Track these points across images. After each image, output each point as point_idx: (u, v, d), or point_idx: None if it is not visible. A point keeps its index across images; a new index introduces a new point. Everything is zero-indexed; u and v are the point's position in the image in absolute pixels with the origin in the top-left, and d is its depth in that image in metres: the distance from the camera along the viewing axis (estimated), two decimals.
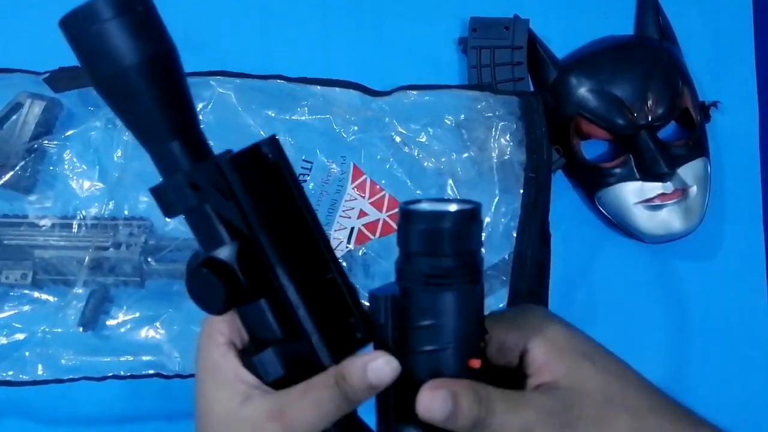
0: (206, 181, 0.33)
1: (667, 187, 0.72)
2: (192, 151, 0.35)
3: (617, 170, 0.73)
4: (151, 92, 0.33)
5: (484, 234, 0.69)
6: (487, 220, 0.70)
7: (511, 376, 0.37)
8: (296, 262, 0.35)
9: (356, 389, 0.33)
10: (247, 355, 0.36)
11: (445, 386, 0.33)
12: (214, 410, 0.36)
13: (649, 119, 0.71)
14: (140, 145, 0.35)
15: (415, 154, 0.71)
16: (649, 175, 0.71)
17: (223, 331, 0.36)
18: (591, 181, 0.75)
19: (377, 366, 0.33)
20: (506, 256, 0.68)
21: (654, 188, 0.72)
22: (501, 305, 0.66)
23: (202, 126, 0.71)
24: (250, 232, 0.34)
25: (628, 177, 0.72)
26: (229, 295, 0.33)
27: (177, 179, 0.34)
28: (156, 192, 0.35)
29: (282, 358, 0.35)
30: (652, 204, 0.72)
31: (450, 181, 0.71)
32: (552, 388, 0.35)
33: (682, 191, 0.72)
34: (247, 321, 0.36)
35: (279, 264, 0.34)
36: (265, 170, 0.35)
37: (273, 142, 0.35)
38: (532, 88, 0.77)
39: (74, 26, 0.34)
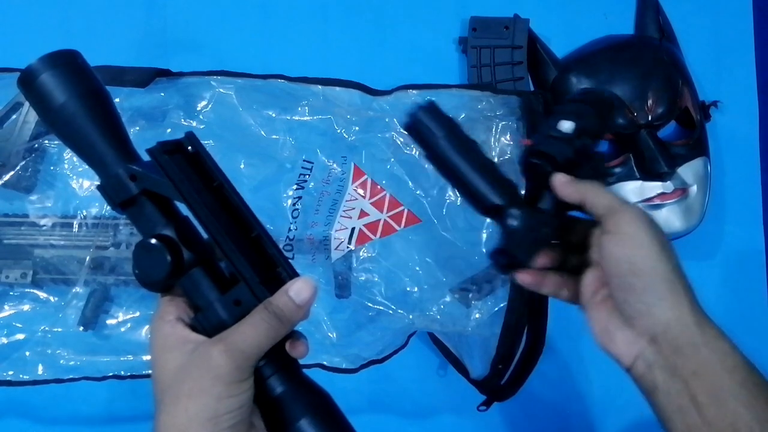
0: (142, 170, 0.41)
1: (667, 186, 0.72)
2: (125, 156, 0.43)
3: (617, 169, 0.73)
4: (84, 119, 0.42)
5: (484, 234, 0.69)
6: (488, 219, 0.70)
7: None
8: (225, 222, 0.41)
9: (284, 310, 0.40)
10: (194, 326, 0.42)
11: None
12: (168, 369, 0.40)
13: (649, 119, 0.71)
14: (88, 165, 0.43)
15: (416, 154, 0.71)
16: (649, 175, 0.72)
17: (170, 310, 0.41)
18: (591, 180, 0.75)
19: (297, 287, 0.41)
20: None
21: (654, 187, 0.72)
22: (501, 305, 0.66)
23: (202, 126, 0.72)
24: (185, 202, 0.41)
25: (628, 176, 0.73)
26: (175, 264, 0.40)
27: (119, 173, 0.41)
28: (102, 188, 0.42)
29: (220, 311, 0.41)
30: (652, 203, 0.72)
31: None
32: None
33: (682, 191, 0.72)
34: (187, 290, 0.42)
35: (212, 223, 0.41)
36: (188, 157, 0.42)
37: (191, 136, 0.43)
38: (531, 88, 0.77)
39: (23, 84, 0.44)
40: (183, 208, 0.43)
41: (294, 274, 0.43)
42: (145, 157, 0.43)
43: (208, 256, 0.42)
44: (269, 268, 0.42)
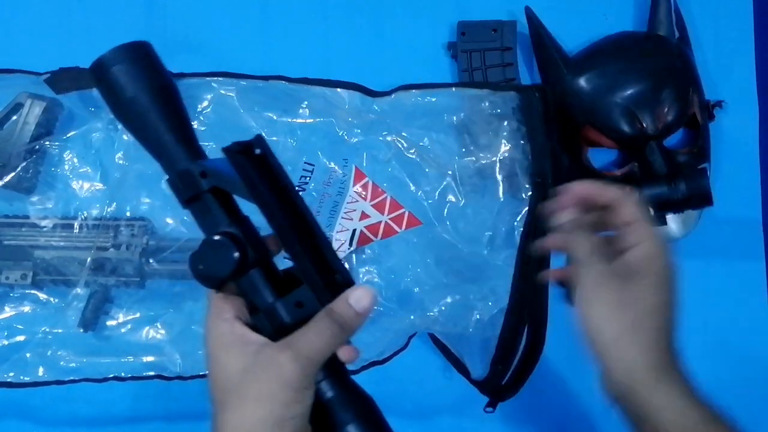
0: (213, 167, 0.42)
1: None
2: (192, 153, 0.44)
3: (623, 178, 0.73)
4: (155, 114, 0.43)
5: (488, 234, 0.70)
6: (489, 222, 0.70)
7: None
8: (292, 224, 0.42)
9: (345, 318, 0.41)
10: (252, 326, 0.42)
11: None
12: (230, 371, 0.40)
13: (658, 130, 0.70)
14: (154, 158, 0.44)
15: (417, 156, 0.71)
16: (652, 187, 0.71)
17: (227, 308, 0.42)
18: None
19: (357, 295, 0.41)
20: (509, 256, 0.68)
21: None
22: (502, 306, 0.67)
23: (203, 128, 0.72)
24: (257, 201, 0.41)
25: (633, 184, 0.72)
26: (241, 261, 0.40)
27: (190, 169, 0.42)
28: (172, 183, 0.43)
29: (282, 312, 0.42)
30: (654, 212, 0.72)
31: (452, 183, 0.71)
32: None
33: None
34: (246, 289, 0.42)
35: (282, 224, 0.41)
36: (256, 158, 0.42)
37: (260, 139, 0.42)
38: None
39: (95, 74, 0.44)
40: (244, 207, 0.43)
41: (350, 282, 0.43)
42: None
43: (266, 257, 0.43)
44: (328, 273, 0.42)
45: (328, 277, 0.42)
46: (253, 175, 0.40)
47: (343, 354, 0.42)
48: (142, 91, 0.42)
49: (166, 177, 0.43)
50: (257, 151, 0.42)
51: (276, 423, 0.38)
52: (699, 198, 0.68)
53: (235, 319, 0.41)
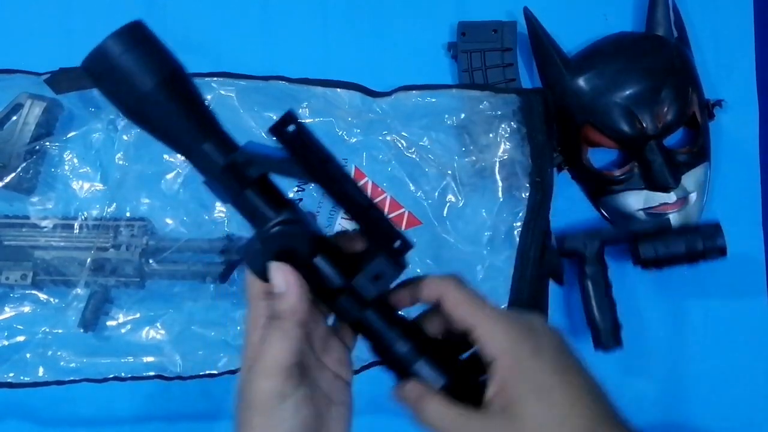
0: (258, 153, 0.39)
1: (671, 197, 0.72)
2: (223, 142, 0.39)
3: (623, 177, 0.73)
4: (173, 108, 0.38)
5: (488, 234, 0.69)
6: (488, 222, 0.70)
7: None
8: (350, 196, 0.39)
9: (278, 308, 0.39)
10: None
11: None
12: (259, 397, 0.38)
13: (658, 129, 0.71)
14: (184, 157, 0.40)
15: (417, 156, 0.71)
16: (653, 187, 0.71)
17: (263, 314, 0.39)
18: (596, 187, 0.75)
19: (274, 281, 0.39)
20: (509, 256, 0.68)
21: (658, 197, 0.72)
22: (503, 306, 0.66)
23: None
24: (316, 180, 0.38)
25: (634, 185, 0.72)
26: (315, 241, 0.39)
27: (235, 161, 0.38)
28: (216, 180, 0.39)
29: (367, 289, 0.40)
30: (655, 212, 0.72)
31: (452, 183, 0.71)
32: (501, 409, 0.37)
33: (684, 199, 0.72)
34: (316, 274, 0.40)
35: (350, 200, 0.39)
36: (296, 135, 0.39)
37: (292, 114, 0.39)
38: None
39: (94, 68, 0.37)
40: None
41: (409, 245, 0.41)
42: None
43: (325, 238, 0.41)
44: (391, 240, 0.40)
45: (391, 244, 0.40)
46: (308, 152, 0.38)
47: (397, 300, 0.42)
48: (159, 83, 0.36)
49: (203, 179, 0.39)
50: (291, 128, 0.39)
51: None
52: (714, 253, 0.70)
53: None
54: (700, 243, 0.70)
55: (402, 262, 0.41)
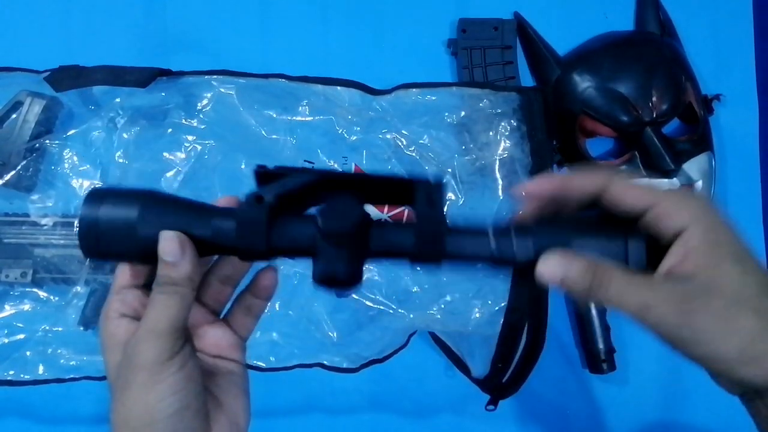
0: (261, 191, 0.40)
1: (674, 183, 0.72)
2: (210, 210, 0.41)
3: (623, 167, 0.73)
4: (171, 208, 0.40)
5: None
6: (489, 220, 0.70)
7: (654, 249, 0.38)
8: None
9: (163, 275, 0.39)
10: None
11: (561, 254, 0.37)
12: (110, 366, 0.39)
13: (654, 116, 0.71)
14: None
15: (416, 154, 0.71)
16: (655, 172, 0.72)
17: (115, 308, 0.40)
18: None
19: (162, 248, 0.39)
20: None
21: (661, 185, 0.72)
22: (503, 304, 0.66)
23: (203, 126, 0.72)
24: (321, 176, 0.40)
25: (634, 174, 0.73)
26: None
27: (251, 203, 0.39)
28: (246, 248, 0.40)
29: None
30: None
31: (452, 181, 0.71)
32: (686, 277, 0.36)
33: (689, 186, 0.72)
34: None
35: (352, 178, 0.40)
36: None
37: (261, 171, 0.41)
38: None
39: (90, 244, 0.39)
40: None
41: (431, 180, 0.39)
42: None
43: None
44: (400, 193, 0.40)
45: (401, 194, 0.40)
46: (290, 168, 0.40)
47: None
48: (143, 207, 0.39)
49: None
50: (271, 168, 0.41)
51: (145, 410, 0.37)
52: None
53: (120, 318, 0.40)
54: None
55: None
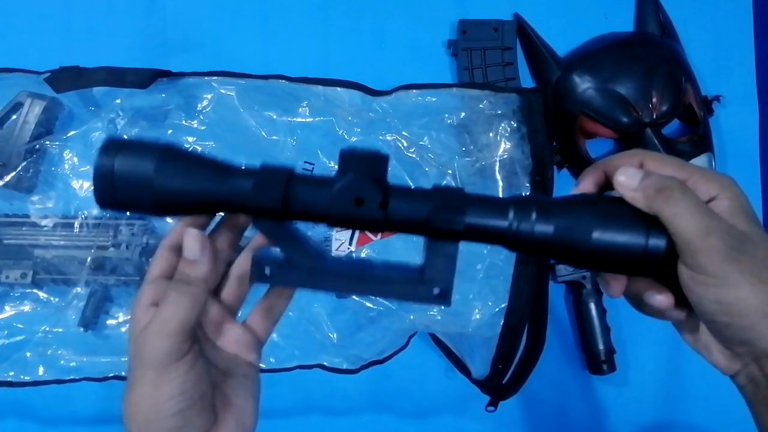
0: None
1: (703, 160, 0.72)
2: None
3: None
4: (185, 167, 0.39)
5: None
6: None
7: None
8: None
9: (182, 272, 0.40)
10: None
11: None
12: (128, 359, 0.40)
13: (654, 117, 0.71)
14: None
15: (417, 155, 0.71)
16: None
17: (147, 296, 0.40)
18: None
19: (186, 245, 0.40)
20: (510, 256, 0.68)
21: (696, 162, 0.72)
22: (503, 305, 0.67)
23: (203, 127, 0.72)
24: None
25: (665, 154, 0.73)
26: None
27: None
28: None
29: None
30: None
31: (452, 182, 0.71)
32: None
33: None
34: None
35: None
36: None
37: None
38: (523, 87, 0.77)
39: (105, 194, 0.39)
40: None
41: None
42: None
43: None
44: None
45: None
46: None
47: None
48: (159, 158, 0.38)
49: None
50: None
51: (151, 406, 0.37)
52: None
53: (147, 306, 0.40)
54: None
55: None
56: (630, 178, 0.38)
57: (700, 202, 0.37)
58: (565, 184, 0.77)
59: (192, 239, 0.39)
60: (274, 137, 0.70)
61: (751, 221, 0.37)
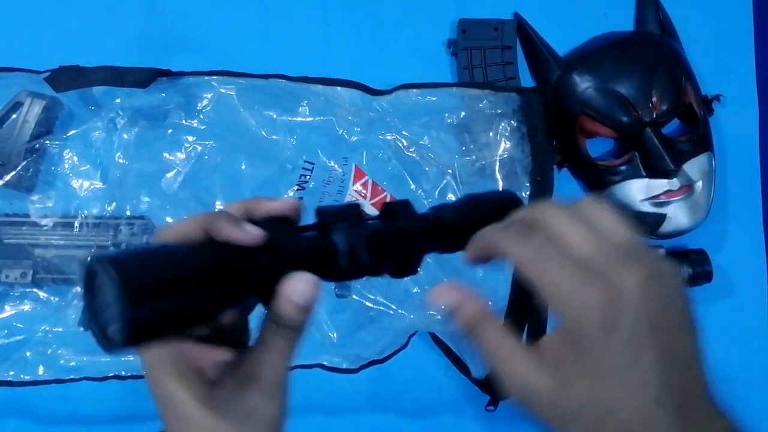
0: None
1: (674, 183, 0.72)
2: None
3: (623, 168, 0.73)
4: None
5: None
6: None
7: None
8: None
9: (287, 316, 0.35)
10: None
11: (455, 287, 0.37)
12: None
13: (654, 116, 0.71)
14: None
15: (417, 154, 0.71)
16: (655, 173, 0.72)
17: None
18: (597, 180, 0.75)
19: (299, 290, 0.35)
20: None
21: (660, 185, 0.72)
22: (502, 305, 0.67)
23: (203, 127, 0.72)
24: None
25: (634, 174, 0.73)
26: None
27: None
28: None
29: None
30: (658, 201, 0.72)
31: (452, 182, 0.71)
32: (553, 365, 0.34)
33: (688, 187, 0.72)
34: None
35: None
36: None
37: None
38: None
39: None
40: None
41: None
42: None
43: None
44: None
45: None
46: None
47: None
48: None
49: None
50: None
51: None
52: (702, 278, 0.74)
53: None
54: (690, 269, 0.73)
55: None
56: (444, 297, 0.37)
57: (506, 339, 0.36)
58: (565, 184, 0.77)
59: (306, 284, 0.35)
60: (274, 137, 0.70)
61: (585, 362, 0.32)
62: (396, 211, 0.41)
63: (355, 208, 0.39)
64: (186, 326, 0.32)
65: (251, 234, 0.34)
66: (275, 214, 0.37)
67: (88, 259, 0.31)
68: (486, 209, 0.41)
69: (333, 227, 0.38)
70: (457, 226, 0.41)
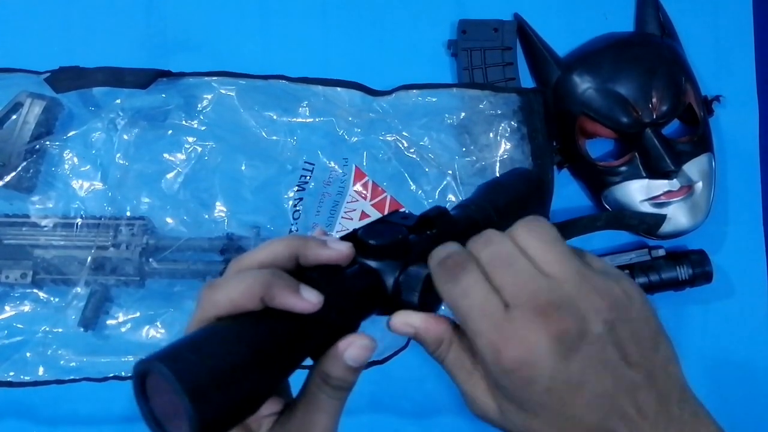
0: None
1: (674, 184, 0.72)
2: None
3: (623, 168, 0.73)
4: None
5: None
6: None
7: None
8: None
9: (342, 378, 0.35)
10: None
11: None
12: None
13: (654, 117, 0.71)
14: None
15: (417, 155, 0.71)
16: (655, 174, 0.72)
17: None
18: (597, 180, 0.75)
19: (353, 354, 0.35)
20: None
21: (660, 186, 0.72)
22: None
23: (203, 127, 0.72)
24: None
25: (634, 175, 0.73)
26: None
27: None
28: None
29: None
30: (658, 201, 0.72)
31: (452, 182, 0.71)
32: None
33: (688, 188, 0.72)
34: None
35: None
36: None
37: None
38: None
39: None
40: None
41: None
42: None
43: None
44: None
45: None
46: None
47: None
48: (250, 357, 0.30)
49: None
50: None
51: None
52: (702, 278, 0.74)
53: None
54: (690, 270, 0.73)
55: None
56: (405, 325, 0.37)
57: (463, 358, 0.37)
58: (565, 185, 0.77)
59: (365, 350, 0.35)
60: (274, 137, 0.70)
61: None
62: (433, 222, 0.40)
63: (403, 243, 0.38)
64: (251, 408, 0.31)
65: (311, 303, 0.33)
66: (326, 263, 0.36)
67: (137, 362, 0.30)
68: (510, 196, 0.45)
69: (383, 271, 0.37)
70: (493, 223, 0.41)
